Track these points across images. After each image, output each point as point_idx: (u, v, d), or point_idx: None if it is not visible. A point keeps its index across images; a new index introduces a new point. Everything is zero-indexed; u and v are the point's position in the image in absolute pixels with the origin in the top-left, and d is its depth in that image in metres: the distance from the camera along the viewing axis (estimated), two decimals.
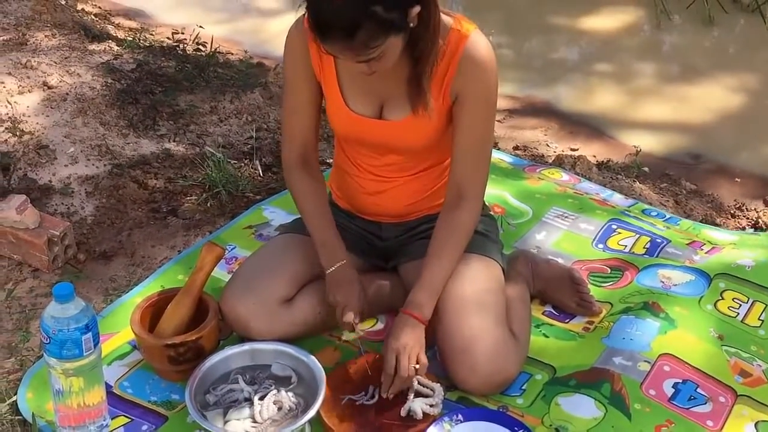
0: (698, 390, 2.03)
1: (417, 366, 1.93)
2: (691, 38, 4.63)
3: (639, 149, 3.36)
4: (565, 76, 4.23)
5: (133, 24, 4.50)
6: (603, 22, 4.78)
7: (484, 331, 1.96)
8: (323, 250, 2.08)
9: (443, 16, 1.87)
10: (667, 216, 2.82)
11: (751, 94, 4.02)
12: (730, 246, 2.60)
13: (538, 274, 2.30)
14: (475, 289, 2.03)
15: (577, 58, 4.52)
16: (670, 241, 2.59)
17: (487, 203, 2.28)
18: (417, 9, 1.75)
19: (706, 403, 1.99)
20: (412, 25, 1.76)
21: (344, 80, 2.01)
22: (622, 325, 2.19)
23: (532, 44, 4.65)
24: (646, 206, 2.88)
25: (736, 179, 3.33)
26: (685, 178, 3.27)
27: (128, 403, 2.03)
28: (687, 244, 2.59)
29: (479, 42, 1.92)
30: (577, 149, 3.47)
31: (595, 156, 3.36)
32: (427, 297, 1.98)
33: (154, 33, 4.29)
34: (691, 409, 1.98)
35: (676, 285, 2.35)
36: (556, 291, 2.29)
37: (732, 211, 3.03)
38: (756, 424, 1.97)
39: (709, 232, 2.73)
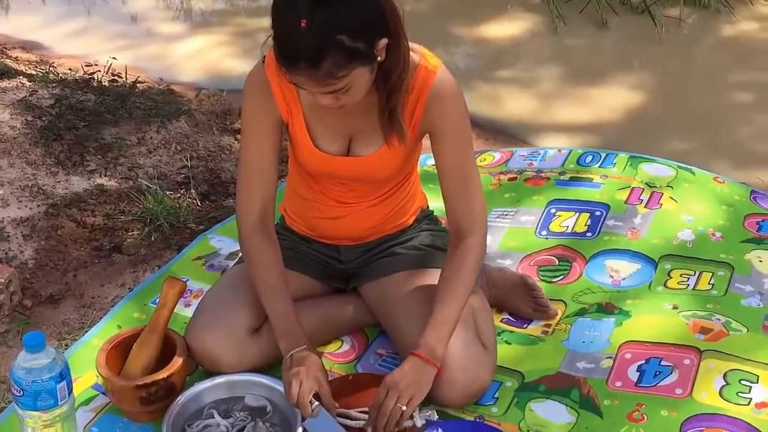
0: (662, 363, 2.09)
1: (404, 408, 1.87)
2: (588, 41, 4.78)
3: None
4: (473, 84, 4.30)
5: (32, 57, 4.39)
6: (502, 29, 4.89)
7: (457, 342, 1.99)
8: (281, 333, 1.99)
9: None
10: (603, 156, 2.96)
11: (649, 91, 4.18)
12: (668, 193, 2.74)
13: (493, 283, 2.35)
14: None
15: (483, 66, 4.60)
16: (609, 207, 2.70)
17: (437, 216, 2.33)
18: (384, 41, 1.75)
19: (672, 373, 2.06)
20: (380, 59, 1.77)
21: (311, 120, 1.99)
22: (579, 328, 2.26)
23: (438, 54, 4.73)
24: (581, 152, 3.02)
25: None
26: None
27: None
28: (625, 201, 2.71)
29: (446, 79, 1.95)
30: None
31: None
32: (437, 337, 1.94)
33: (56, 65, 4.19)
34: (658, 384, 2.04)
35: (624, 279, 2.43)
36: (512, 298, 2.34)
37: None
38: (724, 375, 2.04)
39: (646, 168, 2.86)
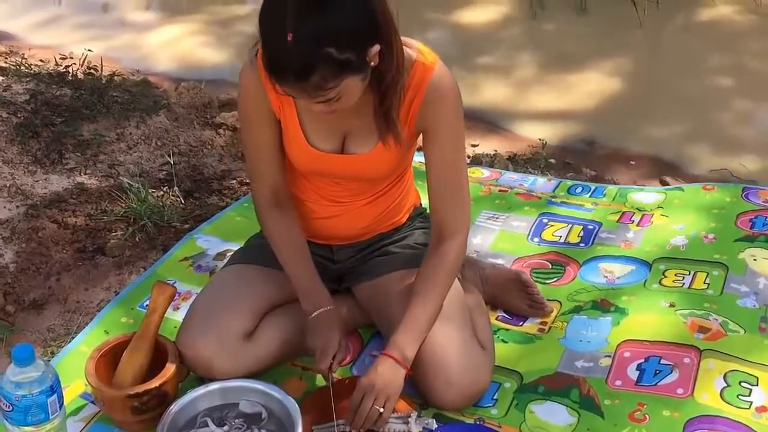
0: (662, 361, 2.08)
1: (382, 410, 1.86)
2: (567, 27, 4.75)
3: (545, 142, 3.44)
4: (452, 72, 4.28)
5: (1, 48, 4.29)
6: (479, 15, 4.86)
7: (454, 343, 1.96)
8: (305, 295, 2.01)
9: (405, 48, 1.82)
10: (593, 188, 2.94)
11: (629, 78, 4.17)
12: (659, 212, 2.72)
13: (487, 280, 2.32)
14: None
15: (460, 53, 4.57)
16: (601, 223, 2.69)
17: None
18: (377, 48, 1.69)
19: (672, 372, 2.05)
20: (373, 64, 1.71)
21: (304, 116, 1.95)
22: (576, 326, 2.23)
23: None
24: (570, 183, 2.99)
25: (631, 162, 3.45)
26: (584, 165, 3.35)
27: None
28: (617, 221, 2.70)
29: (443, 74, 1.90)
30: (477, 145, 3.53)
31: (495, 150, 3.43)
32: (409, 338, 1.91)
33: (27, 56, 4.10)
34: (658, 383, 2.02)
35: (618, 278, 2.42)
36: (507, 294, 2.31)
37: None
38: (725, 376, 2.03)
39: (635, 196, 2.85)
